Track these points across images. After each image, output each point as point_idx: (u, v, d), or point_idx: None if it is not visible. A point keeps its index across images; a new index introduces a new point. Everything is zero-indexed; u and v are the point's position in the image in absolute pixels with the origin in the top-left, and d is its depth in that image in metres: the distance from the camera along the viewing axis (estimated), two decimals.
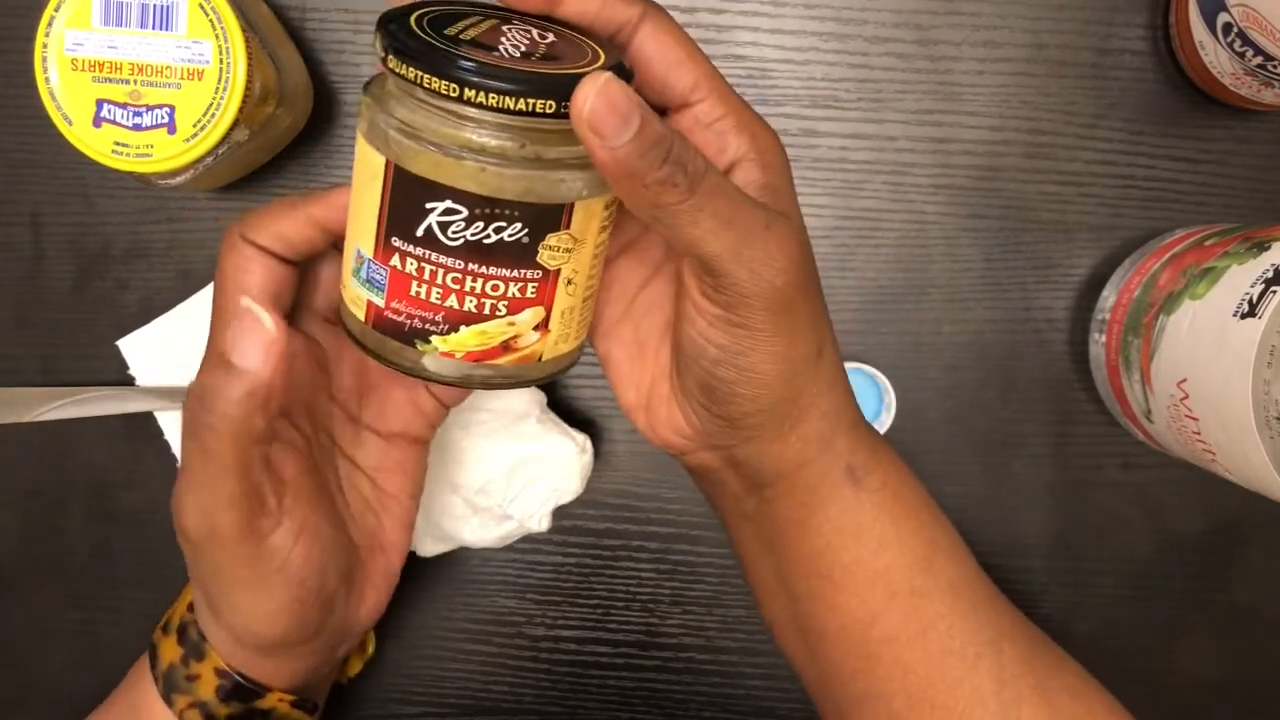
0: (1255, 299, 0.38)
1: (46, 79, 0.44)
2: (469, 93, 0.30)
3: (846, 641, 0.40)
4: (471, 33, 0.32)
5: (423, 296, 0.33)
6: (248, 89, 0.44)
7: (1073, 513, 0.55)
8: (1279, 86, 0.47)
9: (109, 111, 0.44)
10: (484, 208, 0.32)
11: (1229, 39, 0.46)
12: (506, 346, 0.34)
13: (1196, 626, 0.55)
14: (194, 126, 0.44)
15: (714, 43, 0.53)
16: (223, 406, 0.35)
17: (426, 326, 0.33)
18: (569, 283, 0.34)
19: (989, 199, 0.54)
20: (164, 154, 0.44)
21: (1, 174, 0.54)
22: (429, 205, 0.32)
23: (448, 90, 0.30)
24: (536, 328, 0.34)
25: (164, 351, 0.53)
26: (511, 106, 0.30)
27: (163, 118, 0.44)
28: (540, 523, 0.51)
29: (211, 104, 0.44)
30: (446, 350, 0.34)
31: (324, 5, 0.53)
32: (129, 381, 0.54)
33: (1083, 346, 0.54)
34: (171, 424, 0.54)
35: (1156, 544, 0.55)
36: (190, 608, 0.42)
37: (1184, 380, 0.43)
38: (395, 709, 0.56)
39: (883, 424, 0.53)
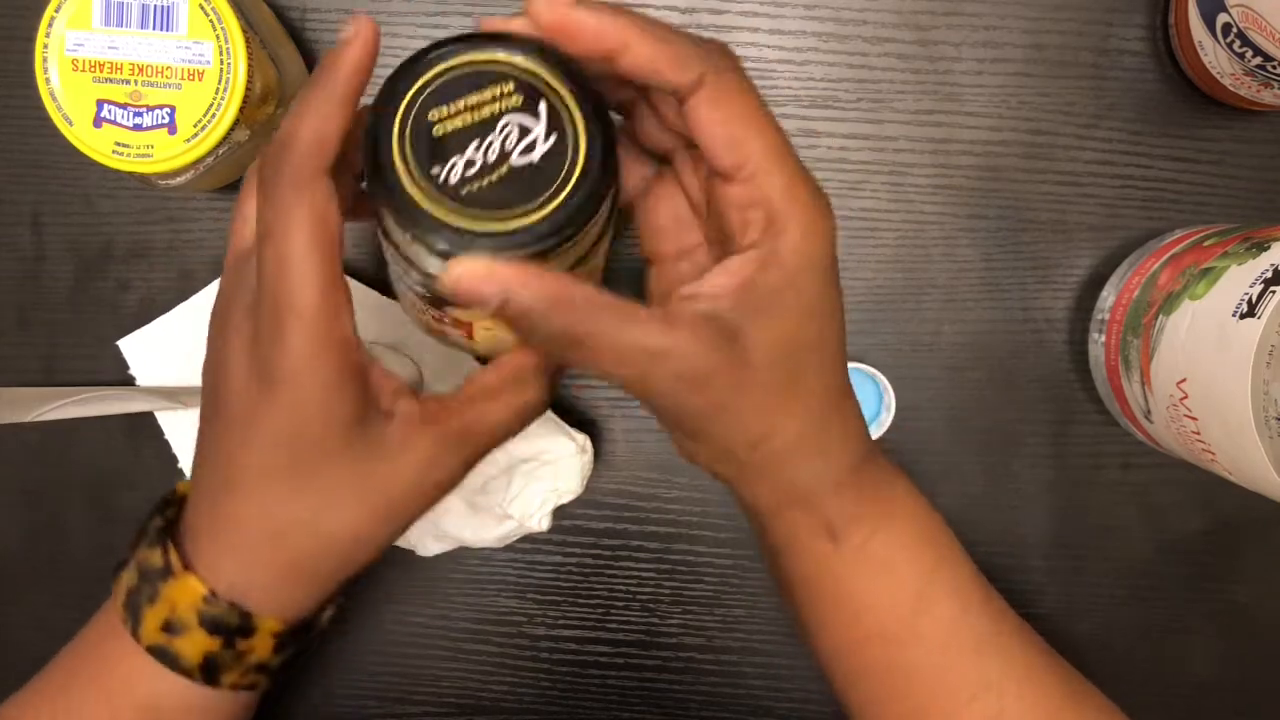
0: (1255, 299, 0.38)
1: (47, 79, 0.44)
2: (393, 234, 0.35)
3: (835, 669, 0.41)
4: (467, 118, 0.35)
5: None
6: (248, 89, 0.44)
7: (1072, 513, 0.55)
8: (1278, 87, 0.47)
9: (109, 112, 0.44)
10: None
11: (1228, 39, 0.46)
12: None
13: (1196, 626, 0.55)
14: (194, 127, 0.44)
15: None
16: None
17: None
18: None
19: (988, 199, 0.54)
20: (164, 154, 0.44)
21: (2, 174, 0.54)
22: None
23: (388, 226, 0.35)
24: None
25: (165, 351, 0.53)
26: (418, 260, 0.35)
27: (163, 118, 0.44)
28: (540, 522, 0.51)
29: (212, 104, 0.44)
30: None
31: (324, 5, 0.53)
32: (129, 381, 0.54)
33: (1082, 346, 0.54)
34: (172, 424, 0.54)
35: (1156, 544, 0.55)
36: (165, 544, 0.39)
37: (1183, 380, 0.43)
38: (395, 709, 0.56)
39: (883, 424, 0.53)
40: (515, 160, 0.36)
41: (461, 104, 0.36)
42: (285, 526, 0.37)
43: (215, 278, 0.54)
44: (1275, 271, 0.38)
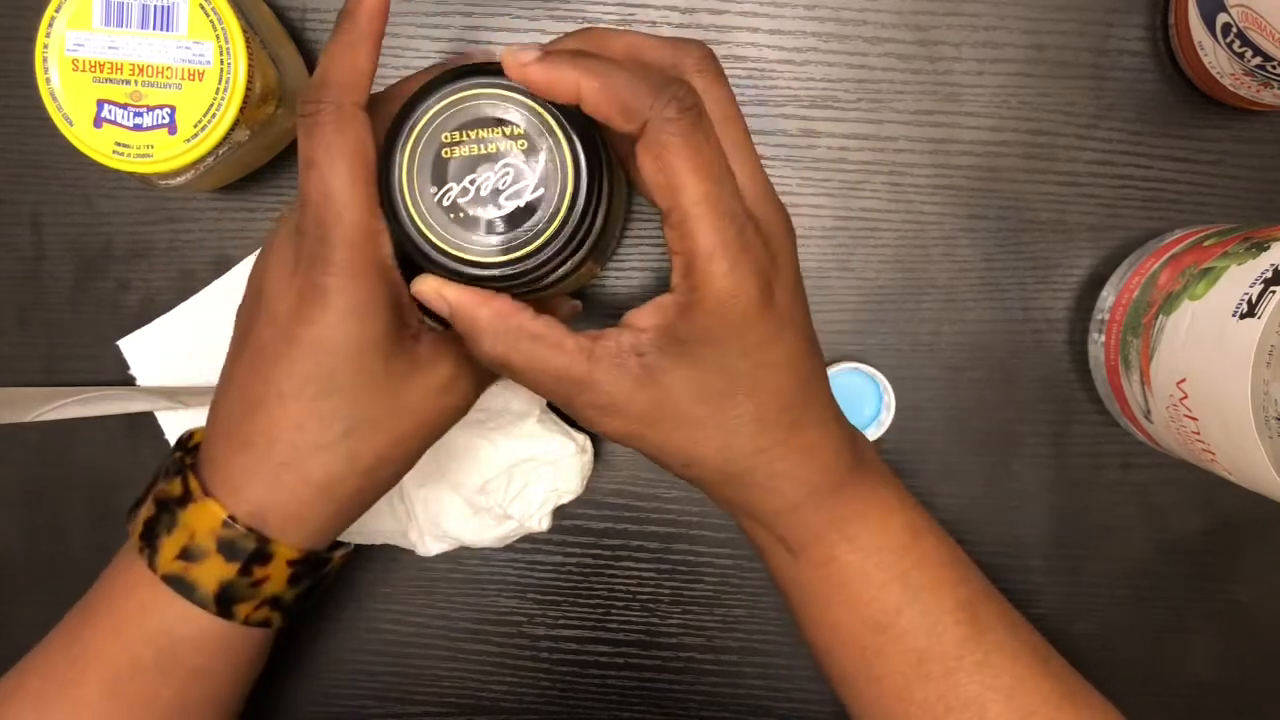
0: (1254, 299, 0.38)
1: (47, 79, 0.44)
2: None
3: (822, 666, 0.43)
4: (475, 149, 0.40)
5: None
6: (248, 89, 0.44)
7: (1072, 512, 0.55)
8: (1278, 87, 0.47)
9: (110, 112, 0.44)
10: None
11: (1228, 39, 0.46)
12: None
13: (1196, 626, 0.55)
14: (195, 127, 0.44)
15: (714, 43, 0.53)
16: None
17: None
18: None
19: (988, 199, 0.54)
20: (165, 154, 0.44)
21: (2, 174, 0.54)
22: None
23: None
24: None
25: (165, 351, 0.53)
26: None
27: (163, 118, 0.44)
28: (540, 522, 0.51)
29: (212, 104, 0.44)
30: None
31: (324, 5, 0.53)
32: (130, 381, 0.54)
33: (1082, 346, 0.54)
34: (171, 424, 0.54)
35: (1156, 544, 0.55)
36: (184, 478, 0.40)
37: (1183, 380, 0.43)
38: (395, 708, 0.56)
39: (882, 424, 0.53)
40: (503, 201, 0.40)
41: (474, 134, 0.40)
42: (317, 444, 0.38)
43: (215, 277, 0.54)
44: (1275, 271, 0.38)
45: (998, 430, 0.55)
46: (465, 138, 0.40)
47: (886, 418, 0.53)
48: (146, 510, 0.41)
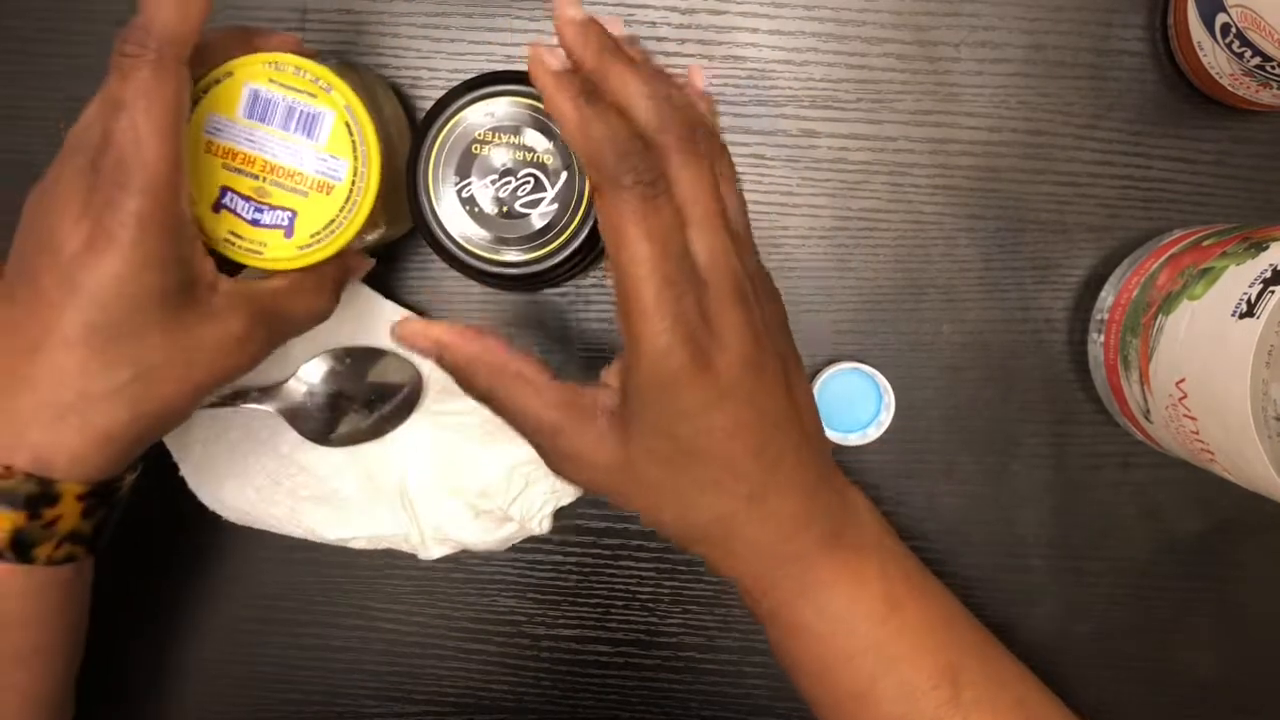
0: (1253, 299, 0.38)
1: None
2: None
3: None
4: (503, 155, 0.43)
5: None
6: (372, 211, 0.44)
7: (1072, 512, 0.55)
8: (1277, 87, 0.47)
9: (231, 200, 0.44)
10: None
11: (1227, 40, 0.46)
12: None
13: (1196, 626, 0.55)
14: (311, 236, 0.44)
15: (714, 44, 0.53)
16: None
17: None
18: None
19: (988, 199, 0.54)
20: (275, 255, 0.44)
21: (2, 174, 0.54)
22: None
23: None
24: None
25: None
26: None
27: (283, 220, 0.44)
28: (541, 524, 0.51)
29: (334, 220, 0.44)
30: None
31: (324, 6, 0.53)
32: None
33: (1081, 346, 0.54)
34: None
35: (1155, 544, 0.55)
36: None
37: (1182, 380, 0.43)
38: (395, 708, 0.56)
39: (882, 424, 0.53)
40: (519, 207, 0.43)
41: (507, 138, 0.42)
42: (103, 390, 0.38)
43: None
44: (1274, 271, 0.38)
45: (998, 430, 0.55)
46: (498, 139, 0.42)
47: (886, 418, 0.53)
48: None
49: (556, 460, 0.39)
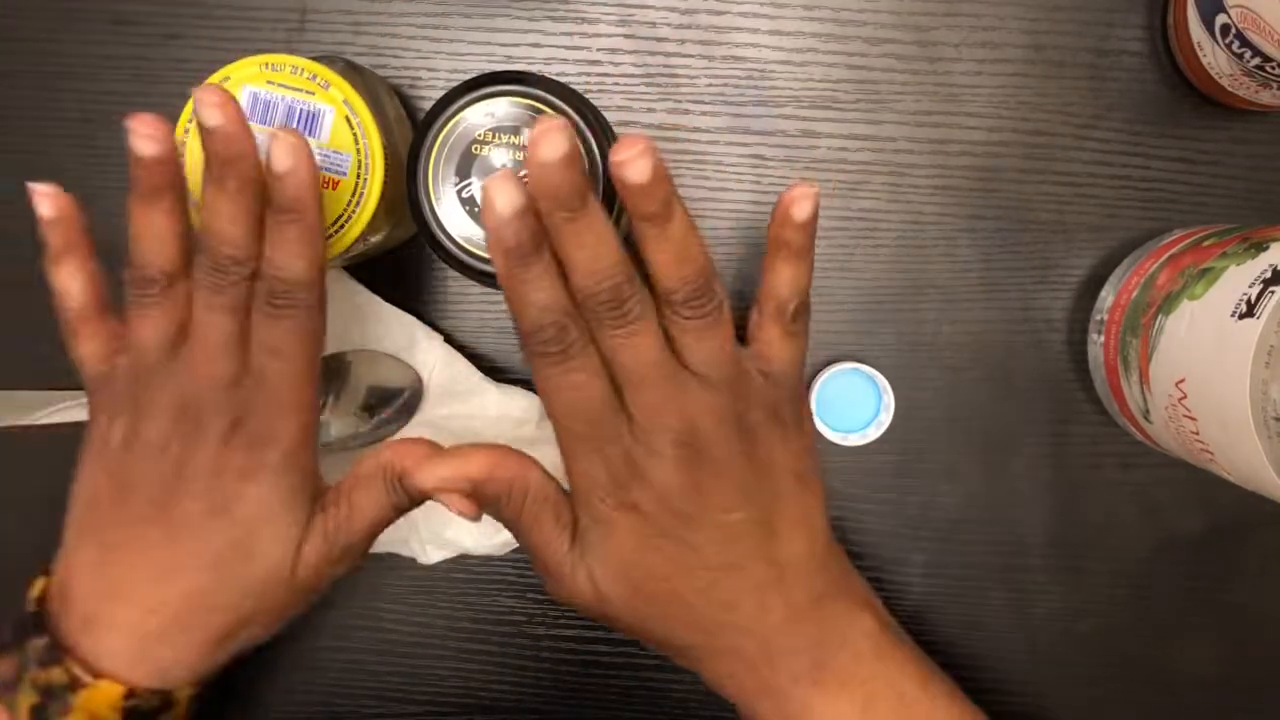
0: (1253, 299, 0.38)
1: (181, 163, 0.44)
2: None
3: None
4: (501, 155, 0.43)
5: None
6: (378, 207, 0.44)
7: (1071, 512, 0.55)
8: (1277, 87, 0.47)
9: None
10: None
11: (1227, 40, 0.46)
12: None
13: (1196, 626, 0.55)
14: None
15: (714, 44, 0.53)
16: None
17: None
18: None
19: (987, 200, 0.54)
20: None
21: (2, 174, 0.54)
22: None
23: None
24: None
25: None
26: None
27: None
28: None
29: (341, 216, 0.44)
30: None
31: (324, 6, 0.53)
32: None
33: (1081, 347, 0.54)
34: None
35: (1155, 544, 0.55)
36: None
37: (1182, 380, 0.43)
38: (395, 708, 0.56)
39: (882, 424, 0.53)
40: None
41: (506, 139, 0.43)
42: (225, 607, 0.40)
43: None
44: (1274, 272, 0.38)
45: (997, 430, 0.55)
46: (498, 140, 0.42)
47: (886, 418, 0.53)
48: (28, 699, 0.39)
49: (559, 597, 0.42)
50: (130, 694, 0.39)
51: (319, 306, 0.40)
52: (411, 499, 0.41)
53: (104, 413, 0.41)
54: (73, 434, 0.54)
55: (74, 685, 0.39)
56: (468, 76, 0.44)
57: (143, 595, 0.39)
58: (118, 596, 0.40)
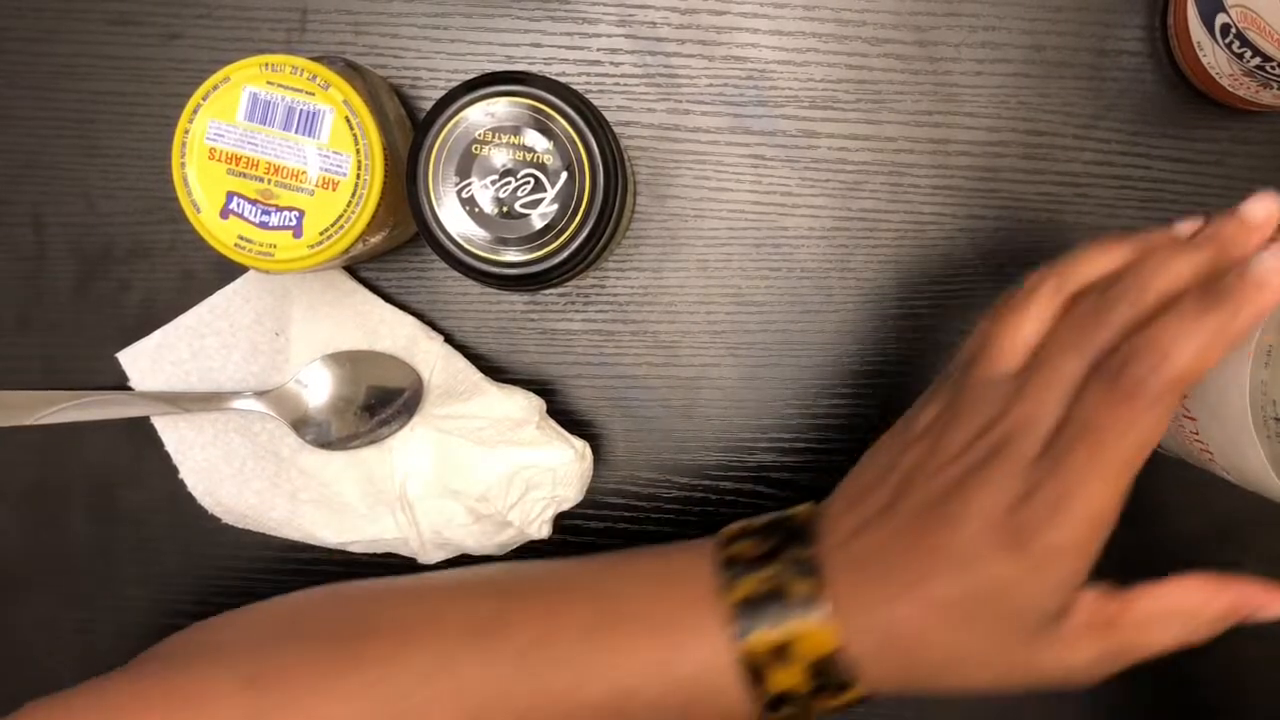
0: None
1: (183, 164, 0.44)
2: None
3: None
4: (503, 154, 0.43)
5: None
6: (379, 206, 0.44)
7: None
8: (1277, 87, 0.47)
9: (238, 205, 0.44)
10: None
11: (1227, 40, 0.46)
12: None
13: None
14: (320, 234, 0.44)
15: (713, 44, 0.53)
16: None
17: None
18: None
19: (987, 199, 0.54)
20: (286, 256, 0.44)
21: (2, 174, 0.54)
22: None
23: None
24: None
25: (163, 363, 0.53)
26: None
27: (291, 220, 0.44)
28: (540, 529, 0.51)
29: (342, 216, 0.44)
30: None
31: (324, 6, 0.53)
32: (129, 384, 0.54)
33: None
34: (167, 429, 0.54)
35: (1155, 544, 0.55)
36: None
37: None
38: None
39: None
40: (519, 207, 0.43)
41: (508, 139, 0.43)
42: (936, 644, 0.38)
43: (217, 278, 0.54)
44: None
45: None
46: (498, 140, 0.42)
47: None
48: (753, 583, 0.39)
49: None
50: (835, 655, 0.38)
51: (1166, 412, 0.35)
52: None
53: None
54: (66, 429, 0.55)
55: (806, 608, 0.38)
56: (468, 76, 0.44)
57: (888, 581, 0.38)
58: (873, 569, 0.39)
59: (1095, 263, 0.38)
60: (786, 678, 0.39)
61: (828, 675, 0.38)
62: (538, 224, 0.43)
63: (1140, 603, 0.39)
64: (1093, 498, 0.35)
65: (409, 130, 0.50)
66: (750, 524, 0.42)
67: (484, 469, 0.51)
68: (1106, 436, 0.35)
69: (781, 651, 0.38)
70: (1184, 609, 0.39)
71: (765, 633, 0.38)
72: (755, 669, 0.39)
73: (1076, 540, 0.36)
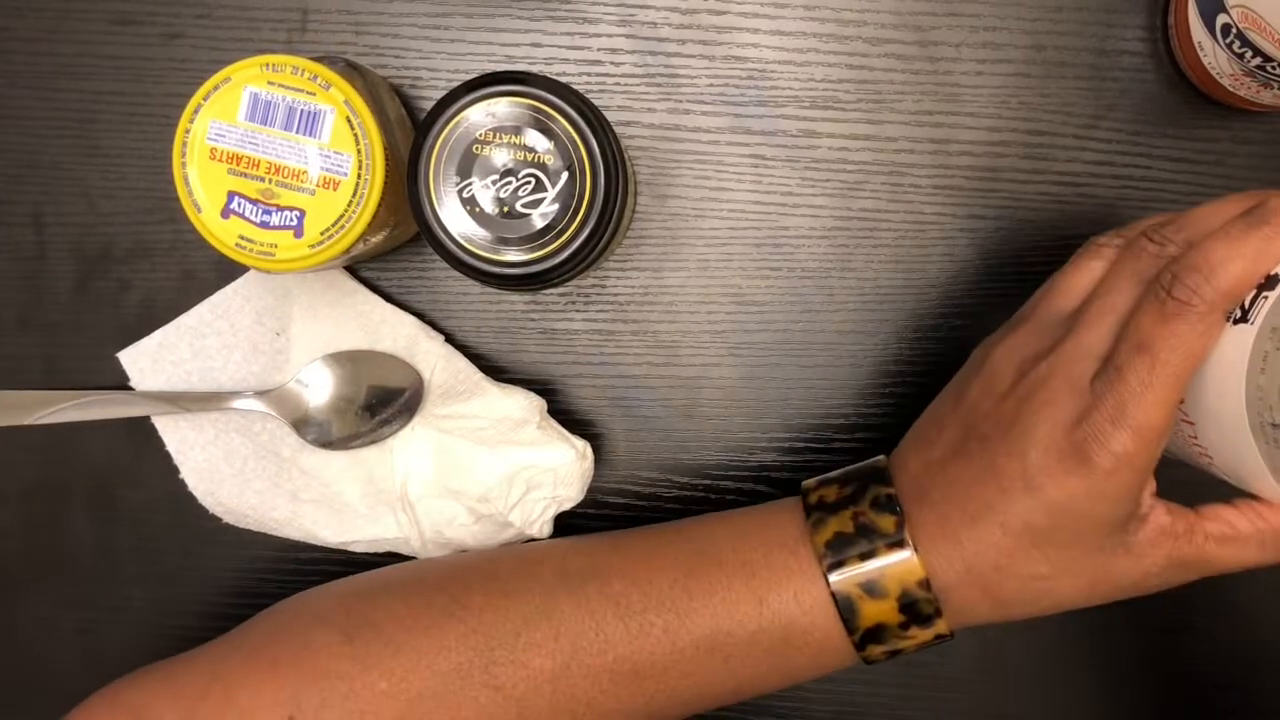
0: (1247, 304, 0.38)
1: (183, 163, 0.44)
2: None
3: None
4: (504, 154, 0.43)
5: None
6: (380, 206, 0.44)
7: None
8: (1277, 87, 0.47)
9: (239, 205, 0.44)
10: None
11: (1228, 40, 0.46)
12: None
13: (1196, 626, 0.56)
14: (321, 234, 0.44)
15: (714, 44, 0.53)
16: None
17: None
18: None
19: (988, 199, 0.54)
20: (287, 255, 0.44)
21: (2, 174, 0.54)
22: None
23: None
24: None
25: (163, 363, 0.53)
26: None
27: (291, 220, 0.44)
28: (541, 529, 0.51)
29: (343, 216, 0.44)
30: None
31: (325, 6, 0.53)
32: (129, 384, 0.54)
33: None
34: (168, 428, 0.54)
35: None
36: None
37: None
38: None
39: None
40: (519, 207, 0.43)
41: (509, 139, 0.43)
42: (1016, 566, 0.40)
43: (217, 278, 0.54)
44: (1268, 276, 0.38)
45: None
46: (499, 140, 0.42)
47: None
48: (839, 522, 0.42)
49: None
50: (924, 584, 0.40)
51: (1218, 323, 0.38)
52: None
53: None
54: (66, 429, 0.55)
55: (893, 542, 0.41)
56: (469, 76, 0.44)
57: (964, 509, 0.40)
58: (954, 500, 0.41)
59: (1155, 222, 0.41)
60: (877, 611, 0.41)
61: (916, 606, 0.40)
62: (538, 224, 0.43)
63: (1210, 522, 0.40)
64: (1148, 408, 0.37)
65: (410, 130, 0.50)
66: (828, 475, 0.45)
67: (485, 469, 0.51)
68: (1159, 351, 0.37)
69: (871, 585, 0.40)
70: (1253, 532, 0.40)
71: (855, 567, 0.41)
72: (847, 603, 0.41)
73: (1135, 450, 0.37)
